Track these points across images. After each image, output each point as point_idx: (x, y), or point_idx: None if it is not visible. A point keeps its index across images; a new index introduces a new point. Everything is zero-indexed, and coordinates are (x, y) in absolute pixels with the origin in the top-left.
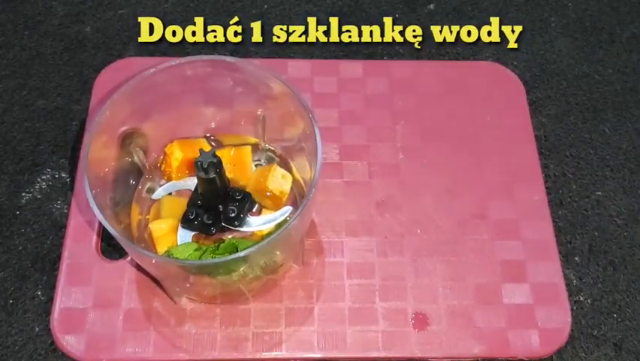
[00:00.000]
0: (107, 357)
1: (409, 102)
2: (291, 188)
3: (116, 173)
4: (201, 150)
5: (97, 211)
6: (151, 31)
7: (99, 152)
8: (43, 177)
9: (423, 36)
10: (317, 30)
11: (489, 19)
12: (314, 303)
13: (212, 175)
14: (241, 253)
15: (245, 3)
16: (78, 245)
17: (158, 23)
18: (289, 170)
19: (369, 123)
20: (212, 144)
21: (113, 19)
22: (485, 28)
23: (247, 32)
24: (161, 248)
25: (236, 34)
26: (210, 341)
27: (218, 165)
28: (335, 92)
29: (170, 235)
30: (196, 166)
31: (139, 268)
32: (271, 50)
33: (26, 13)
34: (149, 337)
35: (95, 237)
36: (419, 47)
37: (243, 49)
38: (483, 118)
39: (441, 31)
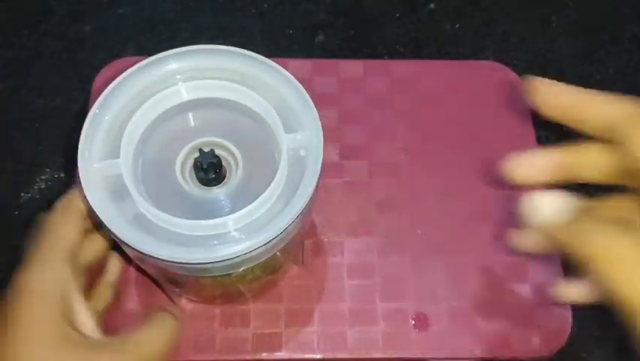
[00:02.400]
0: None
1: (409, 102)
2: None
3: None
4: (201, 150)
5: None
6: (150, 31)
7: None
8: (43, 177)
9: (423, 35)
10: (317, 30)
11: (490, 18)
12: (314, 303)
13: (212, 176)
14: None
15: (245, 2)
16: None
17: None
18: None
19: (370, 123)
20: None
21: (112, 19)
22: (486, 28)
23: (247, 31)
24: None
25: (236, 33)
26: (209, 342)
27: (218, 165)
28: (335, 92)
29: None
30: (195, 167)
31: (138, 268)
32: (271, 49)
33: (26, 13)
34: None
35: None
36: (420, 46)
37: (243, 48)
38: (484, 118)
39: (442, 31)
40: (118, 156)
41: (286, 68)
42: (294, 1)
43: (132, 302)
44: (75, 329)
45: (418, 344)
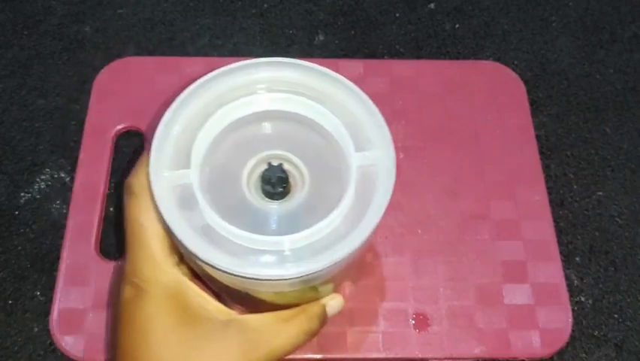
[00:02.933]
0: (106, 358)
1: (409, 102)
2: None
3: None
4: (269, 163)
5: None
6: (151, 31)
7: None
8: (42, 177)
9: (423, 35)
10: (317, 30)
11: (490, 18)
12: None
13: (278, 190)
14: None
15: (245, 2)
16: (77, 245)
17: (157, 23)
18: None
19: None
20: None
21: (112, 19)
22: (486, 28)
23: (247, 31)
24: None
25: (236, 33)
26: None
27: (285, 180)
28: None
29: None
30: (262, 179)
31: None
32: (271, 49)
33: (26, 13)
34: None
35: (94, 237)
36: (420, 46)
37: (243, 48)
38: (484, 117)
39: (442, 31)
40: (186, 164)
41: None
42: (294, 1)
43: None
44: (200, 312)
45: (418, 344)
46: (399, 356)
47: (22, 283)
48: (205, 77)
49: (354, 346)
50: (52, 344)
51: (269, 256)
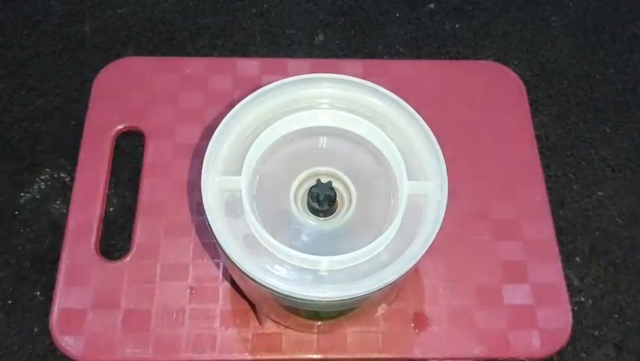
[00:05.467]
0: (107, 358)
1: (409, 102)
2: None
3: None
4: (319, 180)
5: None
6: (150, 31)
7: None
8: (42, 177)
9: (423, 35)
10: (317, 30)
11: (490, 18)
12: None
13: (324, 208)
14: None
15: (245, 2)
16: (77, 245)
17: (157, 22)
18: None
19: None
20: None
21: (112, 19)
22: (486, 28)
23: (247, 31)
24: None
25: (236, 33)
26: (210, 342)
27: (333, 198)
28: None
29: None
30: (310, 195)
31: (232, 282)
32: (271, 49)
33: (25, 13)
34: (149, 338)
35: (94, 237)
36: (420, 46)
37: (243, 48)
38: (483, 117)
39: (442, 31)
40: (238, 170)
41: (286, 68)
42: (294, 1)
43: (132, 303)
44: None
45: (418, 344)
46: (399, 356)
47: (22, 283)
48: (266, 87)
49: (354, 346)
50: (52, 344)
51: (306, 275)
